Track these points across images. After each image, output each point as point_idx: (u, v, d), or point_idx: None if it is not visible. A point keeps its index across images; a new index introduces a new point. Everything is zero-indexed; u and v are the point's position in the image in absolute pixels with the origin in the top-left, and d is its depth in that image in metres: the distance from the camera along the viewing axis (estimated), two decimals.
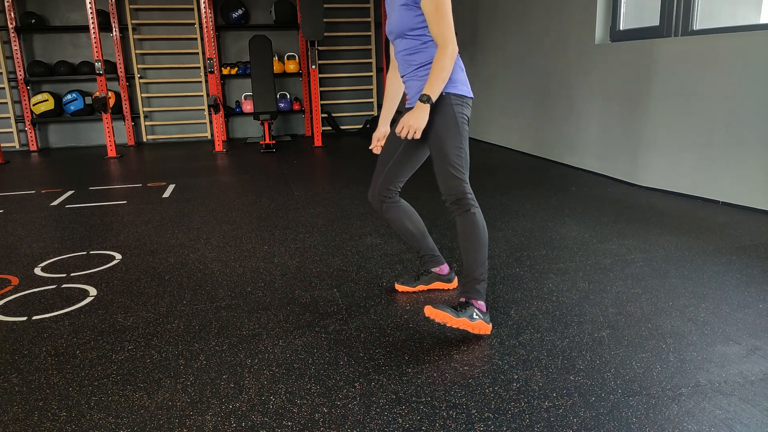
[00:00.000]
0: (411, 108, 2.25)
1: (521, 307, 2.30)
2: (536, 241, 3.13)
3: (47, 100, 7.26)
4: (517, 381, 1.77)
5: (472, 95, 2.21)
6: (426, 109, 2.04)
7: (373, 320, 2.21)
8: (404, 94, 2.40)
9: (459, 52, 2.16)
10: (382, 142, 2.40)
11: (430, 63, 2.11)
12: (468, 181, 2.12)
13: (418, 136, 2.06)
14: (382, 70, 8.31)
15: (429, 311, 2.02)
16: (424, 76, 2.13)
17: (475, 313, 2.05)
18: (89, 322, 2.27)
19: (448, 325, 2.02)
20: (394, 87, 2.41)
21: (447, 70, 2.03)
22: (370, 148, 2.41)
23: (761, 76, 3.38)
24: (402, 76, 2.27)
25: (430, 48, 2.10)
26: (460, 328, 2.03)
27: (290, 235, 3.35)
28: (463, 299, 2.09)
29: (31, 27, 7.17)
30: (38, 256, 3.09)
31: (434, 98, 2.04)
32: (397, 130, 2.09)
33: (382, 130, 2.41)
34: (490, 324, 2.10)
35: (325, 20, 6.76)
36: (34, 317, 2.33)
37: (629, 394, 1.69)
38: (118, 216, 3.94)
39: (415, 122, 2.04)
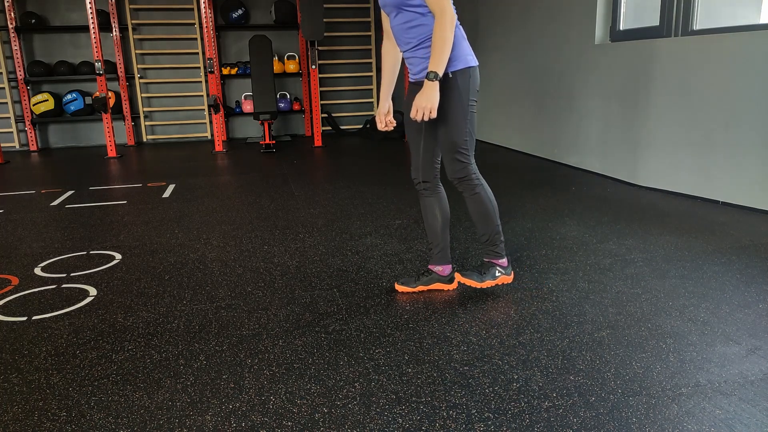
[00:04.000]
0: (415, 83, 2.25)
1: (521, 307, 2.30)
2: (536, 241, 3.13)
3: (47, 100, 7.26)
4: (517, 381, 1.77)
5: (476, 62, 2.20)
6: (435, 86, 2.04)
7: (373, 320, 2.22)
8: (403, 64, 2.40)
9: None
10: (390, 117, 2.41)
11: (430, 38, 2.09)
12: (473, 160, 2.30)
13: (434, 115, 2.07)
14: (381, 70, 8.30)
15: (459, 278, 2.40)
16: (426, 55, 2.12)
17: (497, 271, 2.40)
18: (89, 322, 2.27)
19: (477, 287, 2.39)
20: (391, 59, 2.40)
21: (449, 40, 2.03)
22: (379, 128, 2.41)
23: (761, 76, 3.38)
24: (403, 52, 2.25)
25: (430, 20, 2.08)
26: (488, 287, 2.42)
27: (290, 235, 3.35)
28: (486, 259, 2.41)
29: (31, 27, 7.17)
30: (38, 256, 3.09)
31: (441, 73, 2.04)
32: (412, 114, 2.09)
33: (385, 106, 2.41)
34: (512, 273, 2.44)
35: (325, 20, 6.76)
36: (34, 317, 2.33)
37: (629, 394, 1.69)
38: (118, 216, 3.94)
39: (428, 102, 2.05)
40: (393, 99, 2.49)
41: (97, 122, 7.64)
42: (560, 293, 2.43)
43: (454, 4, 2.12)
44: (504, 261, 2.40)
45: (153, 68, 7.74)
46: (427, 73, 2.04)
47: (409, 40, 2.16)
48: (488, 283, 2.39)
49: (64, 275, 2.80)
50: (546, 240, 3.13)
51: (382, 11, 2.29)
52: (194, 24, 7.67)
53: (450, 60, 2.11)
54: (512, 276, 2.44)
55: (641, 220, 3.44)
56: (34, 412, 1.68)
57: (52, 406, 1.71)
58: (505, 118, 6.37)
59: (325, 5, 7.13)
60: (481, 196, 2.29)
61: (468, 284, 2.39)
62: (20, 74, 7.22)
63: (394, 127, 2.46)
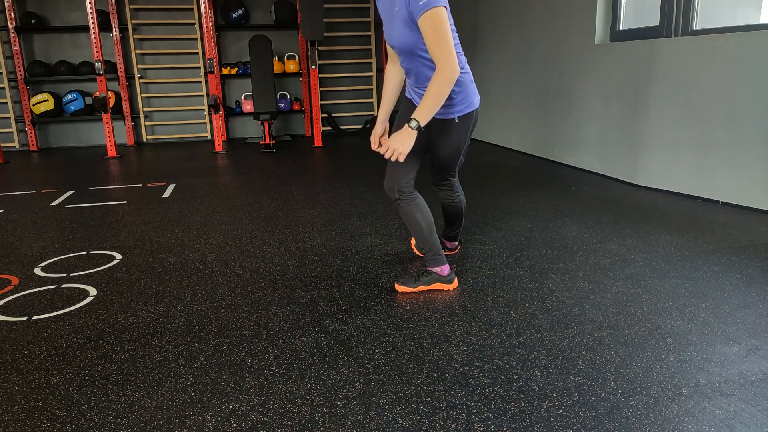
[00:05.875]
0: (410, 101, 2.28)
1: (521, 307, 2.30)
2: (536, 241, 3.13)
3: (47, 100, 7.26)
4: (517, 381, 1.77)
5: (479, 101, 2.24)
6: (413, 135, 2.05)
7: (373, 320, 2.22)
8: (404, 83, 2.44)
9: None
10: (384, 139, 2.40)
11: None
12: (457, 175, 2.60)
13: (401, 159, 2.07)
14: (382, 70, 8.31)
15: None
16: None
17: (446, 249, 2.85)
18: (89, 322, 2.27)
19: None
20: (394, 82, 2.41)
21: (442, 95, 2.01)
22: (373, 149, 2.41)
23: (761, 76, 3.38)
24: (415, 87, 2.28)
25: None
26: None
27: (290, 235, 3.35)
28: (445, 241, 2.85)
29: (31, 27, 7.17)
30: (38, 256, 3.09)
31: (423, 124, 2.04)
32: (382, 150, 2.11)
33: (381, 128, 2.40)
34: (456, 248, 2.93)
35: (325, 20, 6.76)
36: (34, 317, 2.33)
37: (629, 394, 1.69)
38: (118, 216, 3.94)
39: (400, 147, 2.05)
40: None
41: (97, 122, 7.64)
42: (560, 293, 2.43)
43: (455, 9, 2.13)
44: (455, 243, 2.90)
45: (153, 68, 7.74)
46: (410, 119, 2.03)
47: (423, 80, 2.19)
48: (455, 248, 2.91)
49: (64, 275, 2.80)
50: (546, 240, 3.13)
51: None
52: (194, 24, 7.67)
53: (457, 106, 2.19)
54: (457, 250, 2.93)
55: (641, 220, 3.44)
56: (34, 412, 1.68)
57: (52, 406, 1.71)
58: (505, 118, 6.37)
59: (325, 5, 7.13)
60: (458, 203, 2.64)
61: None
62: (20, 74, 7.22)
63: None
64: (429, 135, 2.27)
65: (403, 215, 2.40)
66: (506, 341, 2.03)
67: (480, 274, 2.66)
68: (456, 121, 2.21)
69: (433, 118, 2.16)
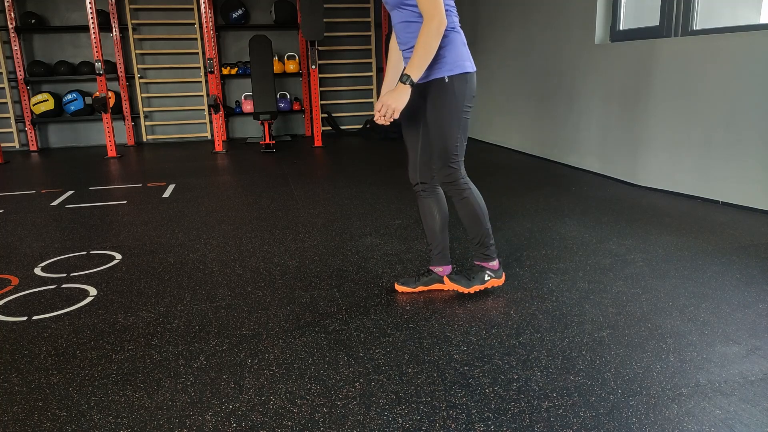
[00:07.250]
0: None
1: (521, 307, 2.30)
2: (536, 241, 3.13)
3: (47, 100, 7.26)
4: (517, 381, 1.77)
5: (474, 69, 2.18)
6: (406, 90, 2.03)
7: (373, 320, 2.22)
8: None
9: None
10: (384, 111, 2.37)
11: None
12: (462, 165, 2.24)
13: (396, 116, 2.05)
14: (382, 70, 8.31)
15: (447, 283, 2.41)
16: None
17: (486, 275, 2.37)
18: (89, 322, 2.27)
19: (464, 292, 2.39)
20: (396, 55, 2.39)
21: (431, 47, 2.00)
22: (375, 120, 2.37)
23: (761, 76, 3.38)
24: (402, 51, 2.25)
25: None
26: (476, 291, 2.39)
27: (290, 235, 3.35)
28: (476, 262, 2.39)
29: (31, 27, 7.17)
30: (38, 256, 3.09)
31: (415, 79, 2.02)
32: (376, 108, 2.07)
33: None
34: (503, 276, 2.42)
35: (325, 20, 6.76)
36: (34, 317, 2.33)
37: (629, 394, 1.69)
38: (118, 216, 3.94)
39: (394, 103, 2.02)
40: None
41: (97, 122, 7.64)
42: (560, 293, 2.43)
43: (456, 4, 2.11)
44: (495, 264, 2.37)
45: (153, 68, 7.74)
46: (402, 74, 2.02)
47: (408, 39, 2.15)
48: (476, 288, 2.37)
49: (64, 275, 2.80)
50: (546, 240, 3.13)
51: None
52: (194, 24, 7.67)
53: (447, 64, 2.10)
54: (503, 278, 2.41)
55: (641, 220, 3.44)
56: (34, 412, 1.68)
57: (52, 406, 1.71)
58: (505, 118, 6.37)
59: (325, 5, 7.13)
60: (470, 200, 2.26)
61: (455, 289, 2.41)
62: (20, 74, 7.22)
63: (393, 127, 2.45)
64: (423, 103, 2.19)
65: (421, 207, 2.40)
66: (506, 341, 2.03)
67: None
68: (446, 80, 2.10)
69: (424, 83, 2.12)
